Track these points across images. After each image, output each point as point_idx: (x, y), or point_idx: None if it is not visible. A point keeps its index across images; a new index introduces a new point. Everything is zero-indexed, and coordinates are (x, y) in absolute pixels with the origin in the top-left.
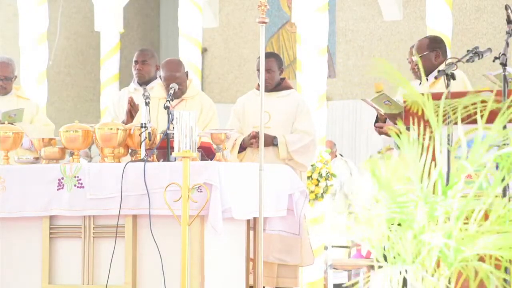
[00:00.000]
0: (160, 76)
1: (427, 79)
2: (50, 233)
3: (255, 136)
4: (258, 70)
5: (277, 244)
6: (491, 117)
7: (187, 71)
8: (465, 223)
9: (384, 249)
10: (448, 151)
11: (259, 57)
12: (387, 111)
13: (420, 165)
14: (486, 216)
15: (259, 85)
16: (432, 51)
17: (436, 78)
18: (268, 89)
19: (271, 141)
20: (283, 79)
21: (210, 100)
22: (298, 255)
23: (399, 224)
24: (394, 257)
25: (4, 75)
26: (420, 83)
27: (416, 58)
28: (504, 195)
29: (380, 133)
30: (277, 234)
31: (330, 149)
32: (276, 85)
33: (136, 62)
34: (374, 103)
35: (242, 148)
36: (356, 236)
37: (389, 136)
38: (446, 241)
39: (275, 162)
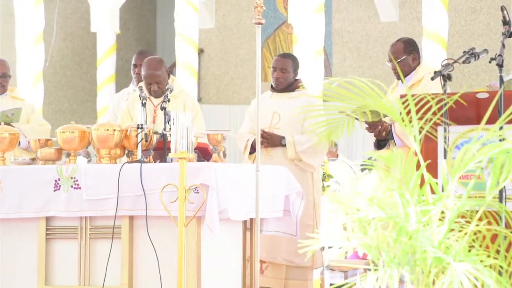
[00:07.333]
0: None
1: (402, 82)
2: (47, 234)
3: (264, 136)
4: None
5: (286, 246)
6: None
7: (169, 70)
8: (461, 227)
9: (379, 252)
10: (445, 152)
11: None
12: (369, 119)
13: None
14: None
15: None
16: (409, 54)
17: (432, 79)
18: (280, 89)
19: (279, 141)
20: (296, 80)
21: (193, 98)
22: (309, 257)
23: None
24: (390, 260)
25: (2, 72)
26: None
27: (392, 63)
28: (500, 196)
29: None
30: (284, 236)
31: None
32: (288, 86)
33: (135, 65)
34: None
35: (254, 149)
36: (352, 242)
37: (383, 137)
38: (439, 253)
39: (283, 162)
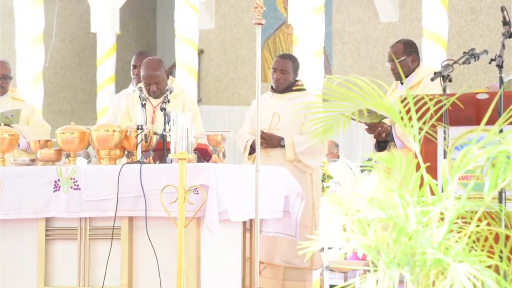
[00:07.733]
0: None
1: (401, 83)
2: (46, 235)
3: (263, 137)
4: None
5: (284, 247)
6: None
7: (168, 71)
8: (460, 228)
9: (378, 252)
10: (444, 153)
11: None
12: (368, 120)
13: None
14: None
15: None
16: (408, 55)
17: (432, 80)
18: (280, 90)
19: (278, 142)
20: (296, 80)
21: (193, 99)
22: (308, 258)
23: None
24: (389, 260)
25: (2, 74)
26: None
27: (392, 63)
28: (500, 197)
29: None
30: (283, 237)
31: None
32: (289, 87)
33: (134, 66)
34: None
35: (253, 150)
36: (352, 243)
37: (383, 139)
38: (439, 254)
39: (283, 163)
